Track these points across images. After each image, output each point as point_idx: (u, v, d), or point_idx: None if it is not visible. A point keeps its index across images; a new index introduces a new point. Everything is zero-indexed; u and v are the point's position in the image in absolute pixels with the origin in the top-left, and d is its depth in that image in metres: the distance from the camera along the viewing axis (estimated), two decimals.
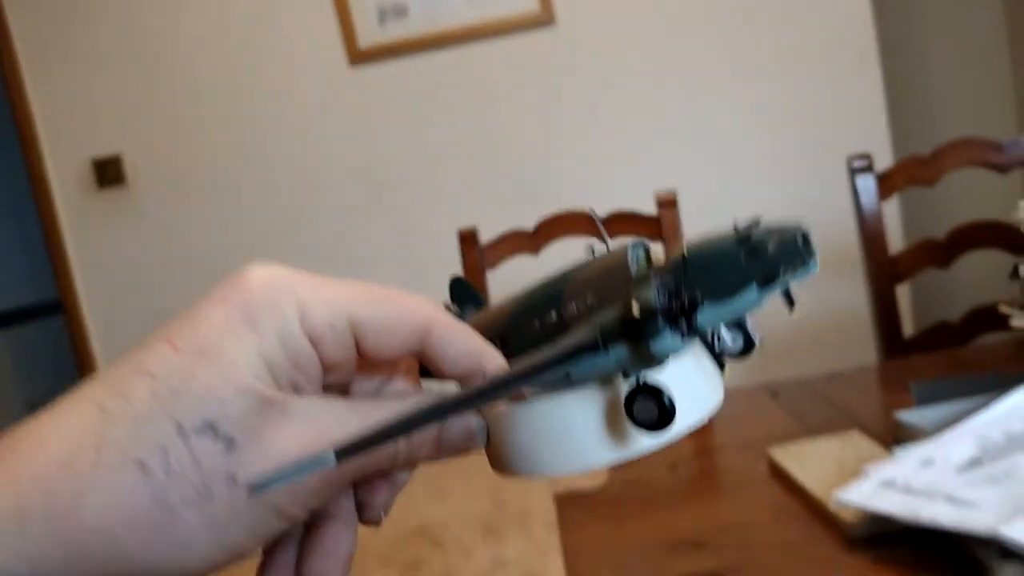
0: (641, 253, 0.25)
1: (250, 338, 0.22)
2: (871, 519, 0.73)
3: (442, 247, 1.99)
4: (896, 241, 1.64)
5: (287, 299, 0.23)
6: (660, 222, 1.47)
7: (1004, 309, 1.18)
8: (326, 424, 0.23)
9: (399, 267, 2.25)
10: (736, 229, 0.22)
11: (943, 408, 0.84)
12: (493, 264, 1.54)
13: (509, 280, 1.78)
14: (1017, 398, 0.81)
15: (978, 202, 1.58)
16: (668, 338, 0.21)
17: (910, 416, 0.85)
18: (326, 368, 0.25)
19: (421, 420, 0.23)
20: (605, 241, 0.27)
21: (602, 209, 1.50)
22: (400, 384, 0.28)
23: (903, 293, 1.47)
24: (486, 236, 1.53)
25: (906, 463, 0.74)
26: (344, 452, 0.22)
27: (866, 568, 0.67)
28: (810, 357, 1.65)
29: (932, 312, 1.49)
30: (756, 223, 0.22)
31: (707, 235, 0.23)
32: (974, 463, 0.70)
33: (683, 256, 0.22)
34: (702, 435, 1.15)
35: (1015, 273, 1.17)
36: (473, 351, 0.25)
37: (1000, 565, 0.62)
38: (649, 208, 1.49)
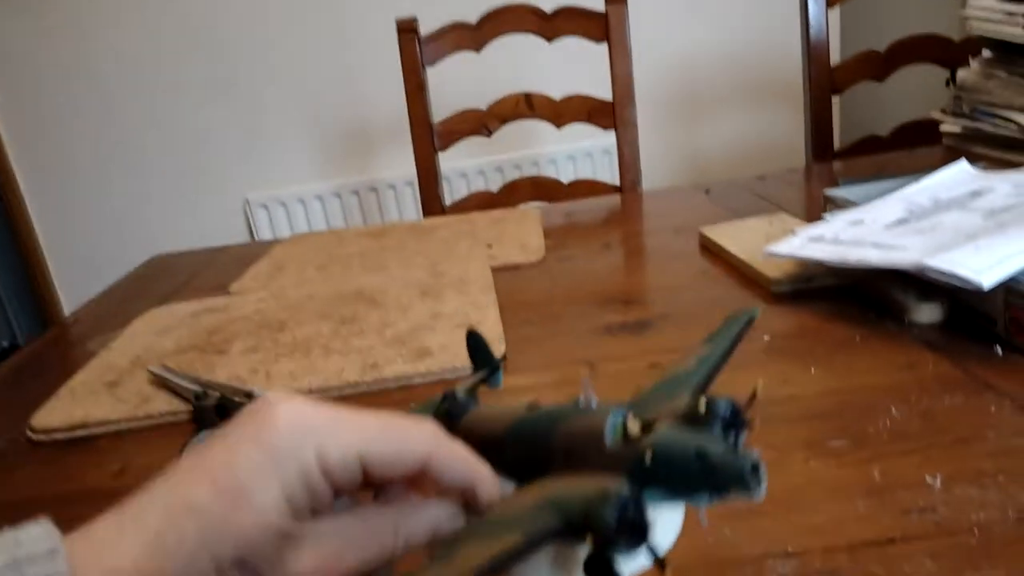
0: (619, 424, 0.27)
1: (276, 482, 0.27)
2: (794, 276, 0.76)
3: (379, 41, 1.89)
4: (835, 56, 1.63)
5: (309, 443, 0.28)
6: (607, 20, 1.41)
7: (936, 115, 1.20)
8: (336, 542, 0.29)
9: (333, 64, 2.11)
10: (697, 443, 0.25)
11: (872, 186, 0.86)
12: (433, 61, 1.45)
13: (449, 81, 1.70)
14: (944, 173, 0.84)
15: (916, 21, 1.57)
16: (621, 547, 0.24)
17: (839, 191, 0.87)
18: (337, 493, 0.30)
19: None
20: (590, 401, 0.30)
21: (549, 4, 1.42)
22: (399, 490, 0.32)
23: (835, 111, 1.48)
24: (426, 28, 1.44)
25: (835, 223, 0.76)
26: None
27: (787, 318, 0.71)
28: (743, 169, 1.68)
29: (861, 130, 1.52)
30: (713, 440, 0.25)
31: (671, 436, 0.26)
32: (901, 222, 0.73)
33: (645, 460, 0.25)
34: (634, 221, 1.17)
35: (951, 80, 1.18)
36: (467, 478, 0.31)
37: (918, 305, 0.66)
38: (597, 5, 1.42)
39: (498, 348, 0.69)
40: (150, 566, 0.25)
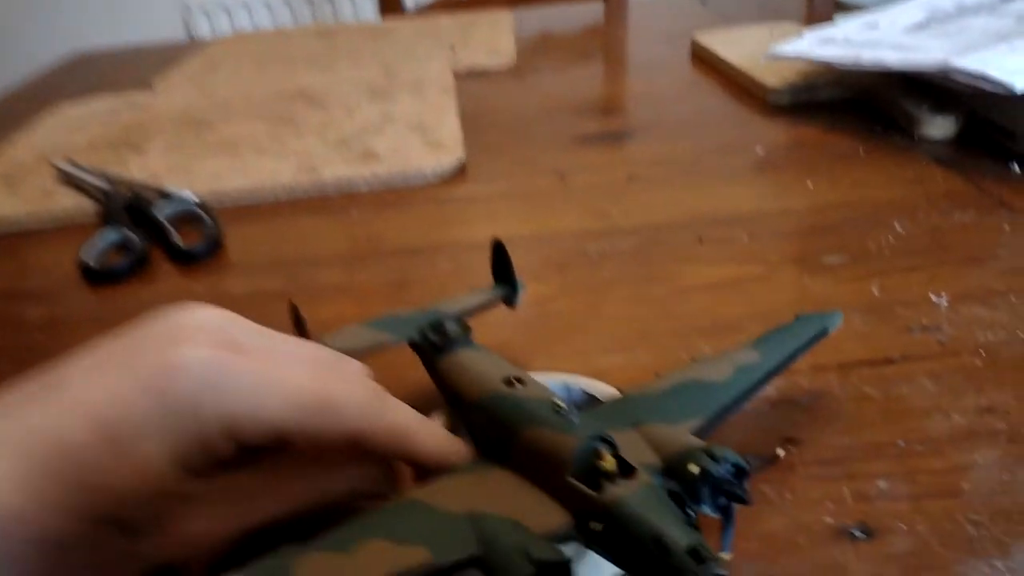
0: (590, 453, 0.23)
1: (169, 441, 0.22)
2: (795, 86, 0.67)
3: None
4: None
5: (217, 407, 0.23)
6: None
7: None
8: (238, 500, 0.24)
9: None
10: (660, 530, 0.20)
11: None
12: None
13: None
14: None
15: None
16: None
17: None
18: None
19: None
20: (571, 411, 0.24)
21: None
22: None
23: None
24: None
25: (847, 26, 0.66)
26: None
27: (785, 131, 0.63)
28: None
29: None
30: (682, 531, 0.20)
31: (634, 506, 0.21)
32: (921, 26, 0.64)
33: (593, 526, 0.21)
34: (619, 28, 1.05)
35: None
36: (401, 457, 0.26)
37: (931, 118, 0.58)
38: None
39: (454, 153, 0.60)
40: (14, 501, 0.20)
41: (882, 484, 0.29)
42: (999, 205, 0.48)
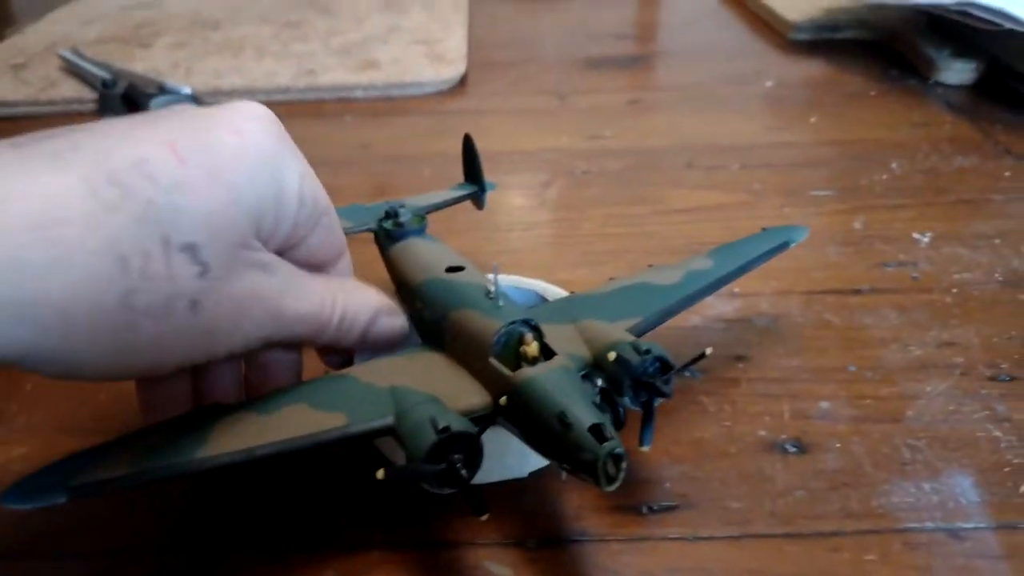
0: (514, 338, 0.23)
1: (256, 184, 0.22)
2: (817, 23, 0.65)
3: None
4: None
5: (293, 161, 0.23)
6: None
7: None
8: (291, 292, 0.23)
9: None
10: (565, 407, 0.20)
11: None
12: None
13: None
14: None
15: None
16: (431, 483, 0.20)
17: None
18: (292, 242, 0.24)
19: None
20: (496, 294, 0.25)
21: None
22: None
23: None
24: None
25: None
26: (78, 491, 0.20)
27: (799, 67, 0.61)
28: None
29: None
30: (586, 409, 0.20)
31: (545, 383, 0.21)
32: None
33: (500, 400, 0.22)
34: None
35: None
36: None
37: (949, 62, 0.55)
38: None
39: (455, 68, 0.59)
40: (86, 207, 0.18)
41: (824, 405, 0.29)
42: (1004, 153, 0.46)
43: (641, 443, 0.23)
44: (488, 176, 0.35)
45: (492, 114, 0.55)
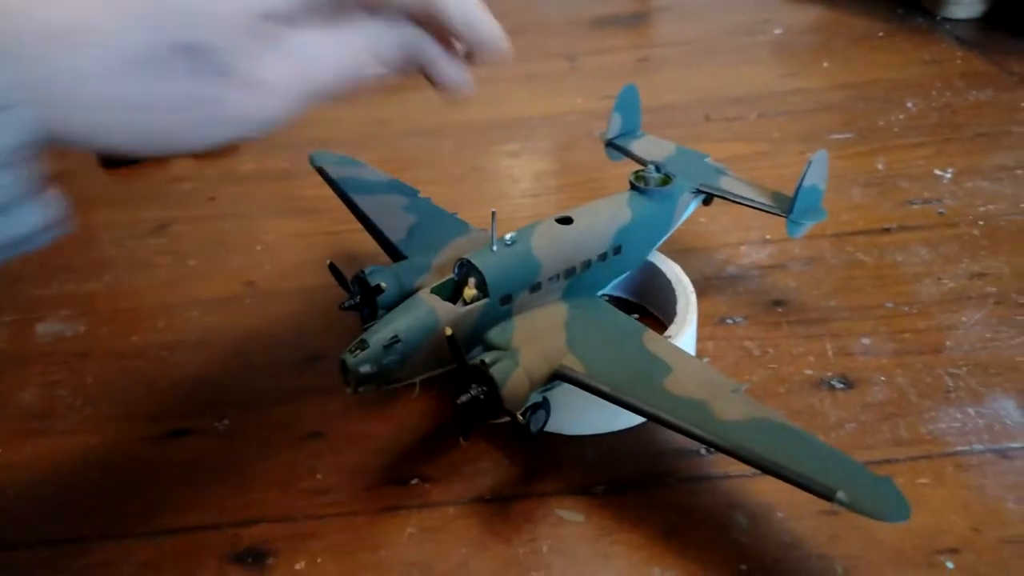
0: (464, 271, 0.28)
1: None
2: None
3: None
4: None
5: None
6: None
7: None
8: (312, 54, 0.24)
9: None
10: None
11: None
12: None
13: None
14: None
15: None
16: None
17: None
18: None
19: None
20: (492, 238, 0.28)
21: None
22: None
23: None
24: None
25: None
26: None
27: (804, 12, 0.60)
28: None
29: None
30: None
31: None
32: None
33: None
34: None
35: None
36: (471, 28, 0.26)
37: None
38: None
39: None
40: (91, 16, 0.20)
41: (866, 341, 0.30)
42: (1019, 84, 0.47)
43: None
44: (508, 144, 0.36)
45: (504, 82, 0.55)
